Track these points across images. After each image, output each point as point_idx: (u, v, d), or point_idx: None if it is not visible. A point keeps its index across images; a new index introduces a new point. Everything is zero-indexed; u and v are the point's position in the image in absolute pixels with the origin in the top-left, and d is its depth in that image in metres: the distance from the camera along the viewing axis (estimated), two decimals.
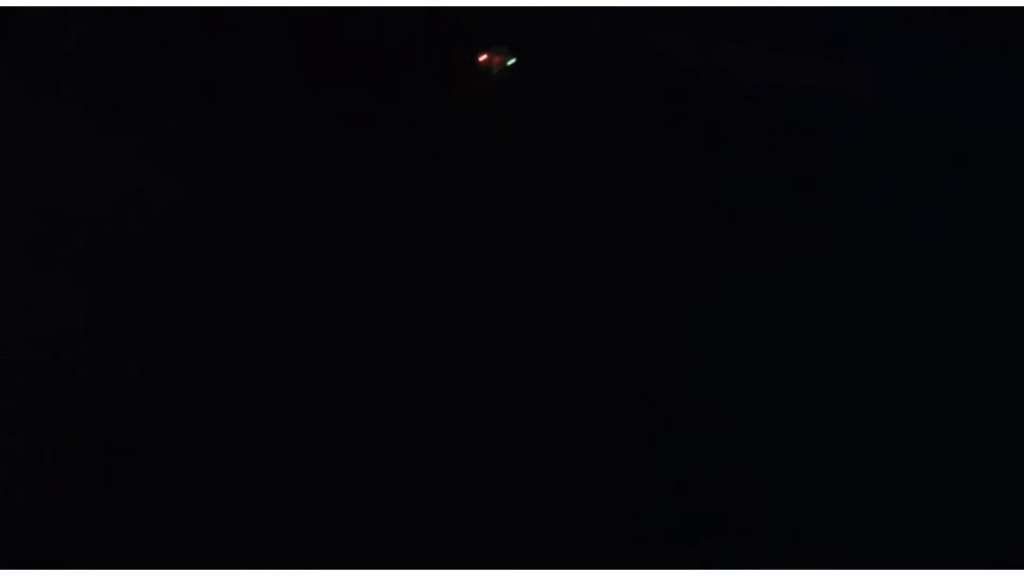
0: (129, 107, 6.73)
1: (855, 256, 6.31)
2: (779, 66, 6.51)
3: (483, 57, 6.55)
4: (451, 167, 6.75)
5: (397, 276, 6.47)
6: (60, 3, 7.01)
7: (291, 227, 6.56)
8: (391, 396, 6.13)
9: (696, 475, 5.70)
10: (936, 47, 6.53)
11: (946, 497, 5.61)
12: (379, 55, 6.82)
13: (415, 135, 6.79)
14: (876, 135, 6.47)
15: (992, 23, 6.54)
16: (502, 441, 5.90)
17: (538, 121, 6.73)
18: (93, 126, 6.66)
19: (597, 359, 6.09)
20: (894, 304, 6.15)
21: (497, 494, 5.77)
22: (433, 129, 6.83)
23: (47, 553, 5.62)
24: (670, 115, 6.63)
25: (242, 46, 6.89)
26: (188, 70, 6.80)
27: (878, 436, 5.77)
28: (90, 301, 6.26)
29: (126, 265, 6.43)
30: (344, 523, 5.77)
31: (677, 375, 6.01)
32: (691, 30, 6.60)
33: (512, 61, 6.49)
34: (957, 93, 6.47)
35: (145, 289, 6.36)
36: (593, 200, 6.61)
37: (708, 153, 6.62)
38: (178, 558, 5.64)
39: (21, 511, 5.75)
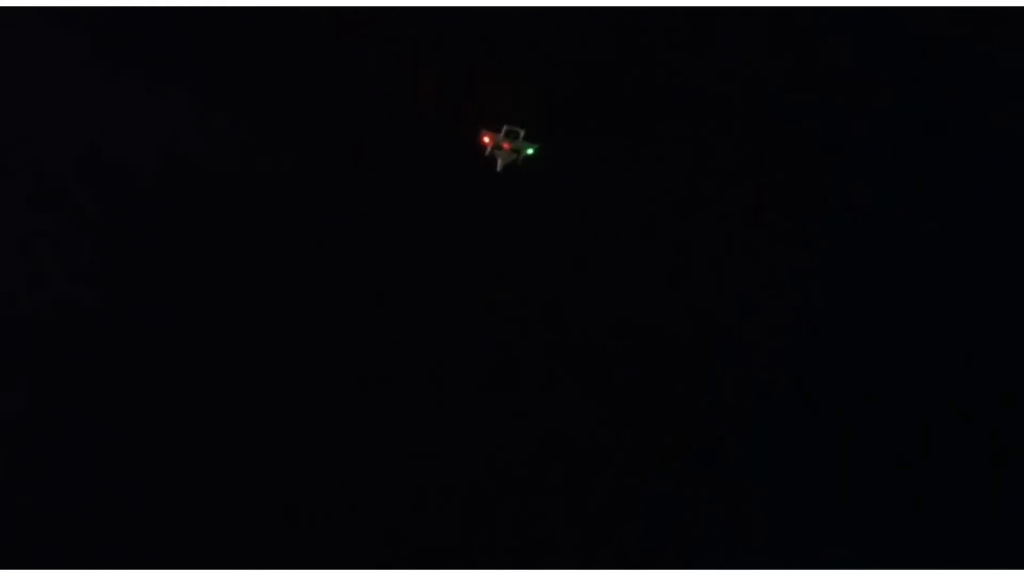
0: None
1: (864, 259, 6.37)
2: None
3: (487, 139, 4.88)
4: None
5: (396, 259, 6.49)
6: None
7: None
8: (393, 392, 6.11)
9: (697, 476, 5.67)
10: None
11: (946, 497, 5.60)
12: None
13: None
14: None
15: None
16: (502, 440, 5.87)
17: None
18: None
19: (598, 360, 6.09)
20: (896, 306, 6.20)
21: (496, 494, 5.72)
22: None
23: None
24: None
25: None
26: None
27: (878, 437, 5.78)
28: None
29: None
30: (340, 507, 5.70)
31: (678, 377, 6.01)
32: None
33: (531, 151, 4.62)
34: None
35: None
36: (608, 205, 6.67)
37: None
38: (176, 556, 5.57)
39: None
